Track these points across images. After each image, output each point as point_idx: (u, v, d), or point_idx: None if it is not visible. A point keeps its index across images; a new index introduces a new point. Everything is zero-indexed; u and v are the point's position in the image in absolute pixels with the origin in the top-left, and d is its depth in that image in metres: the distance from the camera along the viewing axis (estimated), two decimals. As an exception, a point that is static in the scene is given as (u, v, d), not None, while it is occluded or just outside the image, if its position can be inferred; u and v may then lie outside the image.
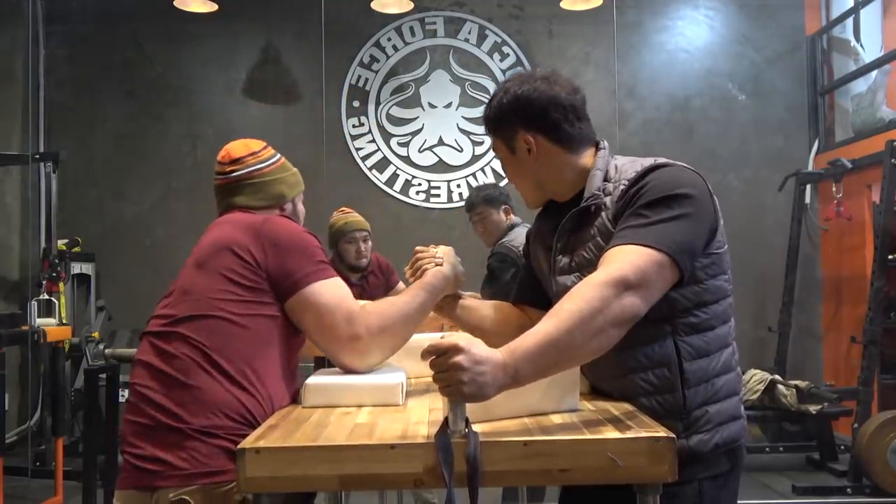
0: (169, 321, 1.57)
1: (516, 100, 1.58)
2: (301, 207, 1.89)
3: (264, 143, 1.86)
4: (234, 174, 1.78)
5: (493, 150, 1.72)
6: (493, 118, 1.63)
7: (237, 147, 1.81)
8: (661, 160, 1.52)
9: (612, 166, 1.58)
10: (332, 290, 1.60)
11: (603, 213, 1.52)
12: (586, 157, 1.61)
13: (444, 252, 1.77)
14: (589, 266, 1.50)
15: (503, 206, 3.84)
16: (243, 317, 1.55)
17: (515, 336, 1.40)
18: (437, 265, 1.73)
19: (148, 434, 1.49)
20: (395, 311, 1.64)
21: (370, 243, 3.84)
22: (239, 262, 1.57)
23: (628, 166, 1.55)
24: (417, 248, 1.79)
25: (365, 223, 3.85)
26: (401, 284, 3.99)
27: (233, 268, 1.57)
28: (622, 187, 1.50)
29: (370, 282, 3.87)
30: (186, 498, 1.43)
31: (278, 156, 1.86)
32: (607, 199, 1.53)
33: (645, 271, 1.34)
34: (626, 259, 1.35)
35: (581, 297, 1.29)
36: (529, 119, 1.58)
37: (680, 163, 1.52)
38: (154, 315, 1.63)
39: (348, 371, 1.62)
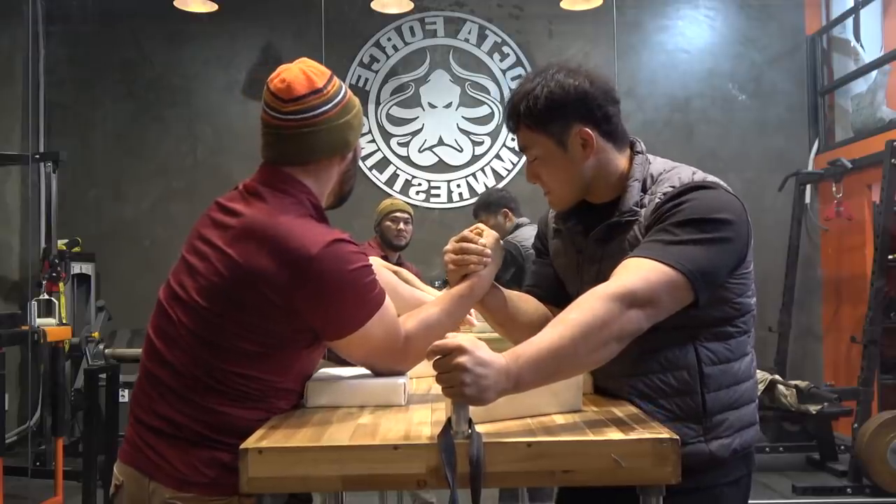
0: (183, 328, 1.45)
1: (575, 90, 1.46)
2: (360, 149, 1.65)
3: (328, 73, 1.54)
4: (294, 117, 1.49)
5: (527, 147, 1.53)
6: (544, 111, 1.47)
7: (298, 79, 1.50)
8: (700, 177, 1.46)
9: (649, 174, 1.51)
10: (381, 325, 1.47)
11: (636, 227, 1.47)
12: (625, 158, 1.54)
13: (491, 245, 1.59)
14: None
15: (502, 210, 3.88)
16: (265, 347, 1.44)
17: (537, 328, 1.37)
18: (484, 262, 1.57)
19: (154, 432, 1.47)
20: (439, 331, 1.53)
21: (411, 227, 4.17)
22: (268, 303, 1.39)
23: (665, 177, 1.48)
24: (465, 234, 1.60)
25: (407, 207, 4.23)
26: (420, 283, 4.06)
27: (260, 306, 1.40)
28: (657, 200, 1.45)
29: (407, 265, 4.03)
30: (180, 503, 1.40)
31: (344, 89, 1.56)
32: (642, 211, 1.47)
33: (656, 289, 1.31)
34: (640, 273, 1.32)
35: (588, 309, 1.27)
36: (589, 111, 1.47)
37: (720, 182, 1.47)
38: (168, 297, 1.49)
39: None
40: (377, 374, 1.58)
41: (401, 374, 1.60)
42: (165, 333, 1.48)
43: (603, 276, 1.48)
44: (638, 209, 1.48)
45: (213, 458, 1.42)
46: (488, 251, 1.57)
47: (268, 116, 1.53)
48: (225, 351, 1.42)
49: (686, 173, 1.48)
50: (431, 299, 1.71)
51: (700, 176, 1.48)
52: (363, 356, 1.54)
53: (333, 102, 1.52)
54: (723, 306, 1.45)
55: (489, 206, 3.95)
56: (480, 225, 1.65)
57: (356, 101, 1.59)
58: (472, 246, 1.57)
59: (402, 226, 4.09)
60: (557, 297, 1.68)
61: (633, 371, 1.47)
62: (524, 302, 1.69)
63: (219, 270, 1.42)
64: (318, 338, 1.49)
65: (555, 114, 1.47)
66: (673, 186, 1.45)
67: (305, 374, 1.55)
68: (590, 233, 1.56)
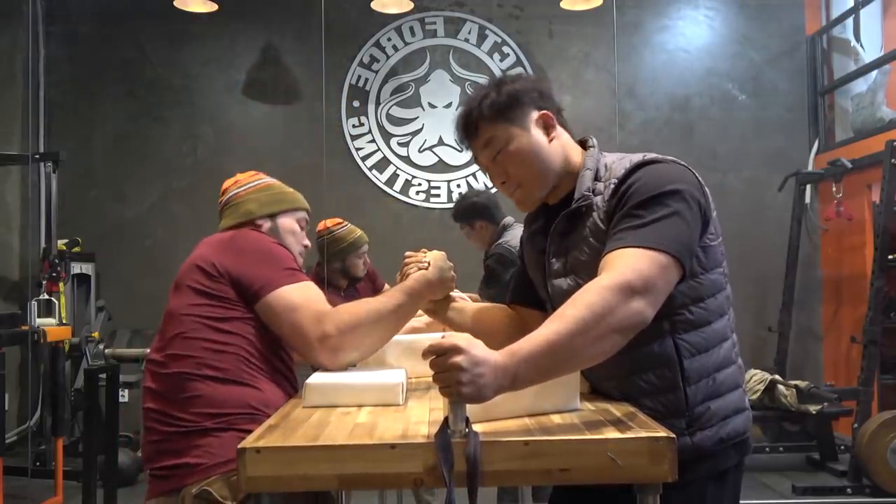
0: (161, 345, 1.69)
1: (526, 83, 1.57)
2: (287, 224, 1.95)
3: (254, 173, 2.02)
4: (221, 202, 1.97)
5: (489, 144, 1.56)
6: (503, 101, 1.54)
7: (228, 180, 2.00)
8: (650, 156, 1.50)
9: (602, 164, 1.55)
10: (300, 293, 1.65)
11: (594, 214, 1.49)
12: (576, 154, 1.60)
13: (432, 257, 1.76)
14: (583, 268, 1.48)
15: (479, 223, 3.84)
16: (218, 321, 1.64)
17: (507, 337, 1.39)
18: (420, 269, 1.72)
19: (164, 450, 1.59)
20: (367, 309, 1.65)
21: None
22: (204, 275, 1.68)
23: (618, 164, 1.52)
24: (407, 252, 1.80)
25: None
26: (387, 287, 3.98)
27: (200, 280, 1.68)
28: (612, 186, 1.47)
29: (359, 288, 3.84)
30: (208, 489, 1.51)
31: (262, 181, 1.98)
32: (598, 199, 1.50)
33: (649, 275, 1.31)
34: (628, 263, 1.32)
35: (584, 303, 1.27)
36: (543, 99, 1.57)
37: (669, 157, 1.50)
38: (153, 344, 1.75)
39: (328, 370, 1.65)
40: (315, 363, 1.65)
41: (398, 373, 1.61)
42: (151, 373, 1.70)
43: (570, 268, 1.53)
44: (590, 194, 1.51)
45: (224, 440, 1.53)
46: (426, 258, 1.74)
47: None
48: (190, 338, 1.63)
49: (637, 156, 1.52)
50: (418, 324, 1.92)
51: (651, 155, 1.50)
52: (289, 328, 1.63)
53: (244, 187, 1.96)
54: (689, 281, 1.44)
55: (472, 214, 3.87)
56: (432, 249, 1.81)
57: (273, 186, 1.98)
58: (412, 259, 1.77)
59: (366, 258, 3.78)
60: (529, 298, 1.75)
61: (614, 373, 1.47)
62: (486, 314, 1.79)
63: (176, 283, 1.74)
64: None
65: (513, 103, 1.55)
66: (625, 168, 1.48)
67: (274, 353, 1.70)
68: (550, 230, 1.59)
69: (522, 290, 1.78)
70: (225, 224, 1.92)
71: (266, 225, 1.91)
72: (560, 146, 1.58)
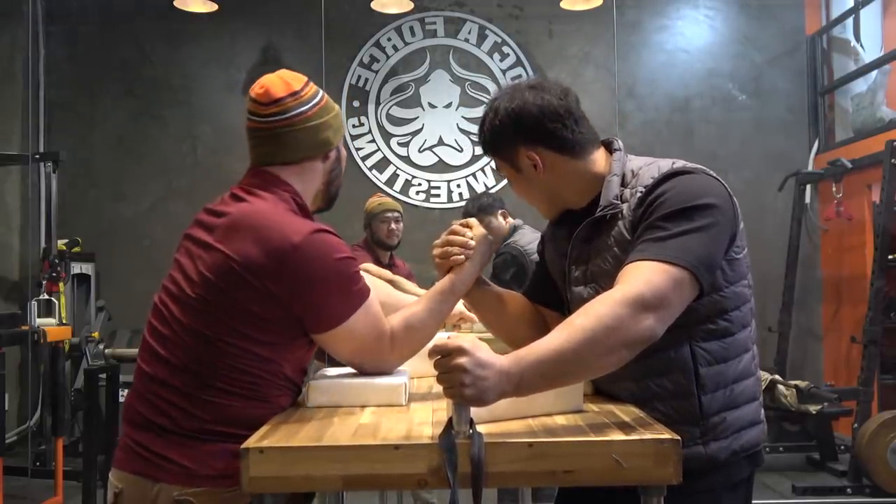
0: (178, 325, 1.47)
1: (508, 117, 1.50)
2: (343, 152, 1.69)
3: (305, 79, 1.62)
4: (273, 119, 1.57)
5: (498, 171, 1.62)
6: (491, 141, 1.55)
7: (276, 85, 1.58)
8: (679, 165, 1.46)
9: (629, 170, 1.51)
10: (366, 319, 1.50)
11: (620, 222, 1.46)
12: (596, 160, 1.54)
13: (477, 238, 1.63)
14: (605, 276, 1.45)
15: (500, 212, 3.86)
16: (262, 345, 1.46)
17: (527, 331, 1.36)
18: (466, 256, 1.62)
19: (155, 431, 1.45)
20: (424, 329, 1.58)
21: (402, 225, 4.12)
22: (257, 294, 1.42)
23: (645, 170, 1.48)
24: (453, 226, 1.66)
25: (397, 205, 4.17)
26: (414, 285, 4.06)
27: (251, 296, 1.42)
28: (639, 194, 1.43)
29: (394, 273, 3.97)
30: (191, 499, 1.41)
31: (321, 93, 1.63)
32: (624, 206, 1.46)
33: (663, 290, 1.29)
34: (643, 276, 1.30)
35: (595, 314, 1.25)
36: (526, 134, 1.50)
37: (699, 166, 1.46)
38: (162, 296, 1.52)
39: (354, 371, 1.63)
40: (364, 373, 1.59)
41: (401, 373, 1.60)
42: (161, 333, 1.49)
43: (591, 276, 1.51)
44: (618, 202, 1.47)
45: (220, 450, 1.42)
46: (472, 243, 1.62)
47: (251, 122, 1.61)
48: (220, 345, 1.44)
49: (665, 164, 1.48)
50: None
51: (680, 164, 1.47)
52: (350, 353, 1.55)
53: (311, 104, 1.59)
54: (713, 295, 1.42)
55: (488, 207, 3.91)
56: (472, 220, 1.69)
57: (334, 104, 1.65)
58: (457, 238, 1.62)
59: (393, 225, 4.04)
60: (549, 299, 1.71)
61: (628, 375, 1.44)
62: (512, 300, 1.74)
63: (210, 265, 1.45)
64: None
65: (499, 141, 1.55)
66: (653, 177, 1.44)
67: (301, 369, 1.57)
68: (573, 235, 1.56)
69: (539, 288, 1.75)
70: (290, 157, 1.58)
71: (333, 156, 1.64)
72: (554, 177, 1.53)
